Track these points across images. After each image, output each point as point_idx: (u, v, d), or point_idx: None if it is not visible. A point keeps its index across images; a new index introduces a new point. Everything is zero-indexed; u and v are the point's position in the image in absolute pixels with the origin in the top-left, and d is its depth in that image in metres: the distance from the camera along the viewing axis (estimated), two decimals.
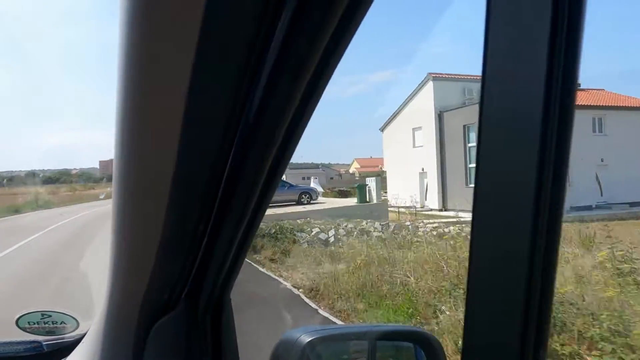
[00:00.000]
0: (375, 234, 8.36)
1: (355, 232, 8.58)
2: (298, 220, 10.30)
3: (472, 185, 0.36)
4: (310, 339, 0.82)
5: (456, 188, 16.98)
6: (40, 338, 0.91)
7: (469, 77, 18.71)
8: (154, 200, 0.54)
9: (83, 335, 0.90)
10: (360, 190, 15.54)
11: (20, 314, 0.89)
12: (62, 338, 0.92)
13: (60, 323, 0.90)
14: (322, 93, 0.51)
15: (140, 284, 0.67)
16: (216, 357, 0.78)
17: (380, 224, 9.47)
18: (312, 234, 8.56)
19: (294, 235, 8.53)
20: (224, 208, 0.58)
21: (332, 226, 9.20)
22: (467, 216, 10.24)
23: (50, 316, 0.90)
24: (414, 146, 20.35)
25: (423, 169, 19.67)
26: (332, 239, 8.14)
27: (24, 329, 0.90)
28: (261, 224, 0.71)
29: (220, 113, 0.46)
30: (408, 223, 10.22)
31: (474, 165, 0.37)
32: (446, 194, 18.41)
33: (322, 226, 9.36)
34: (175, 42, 0.38)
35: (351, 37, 0.45)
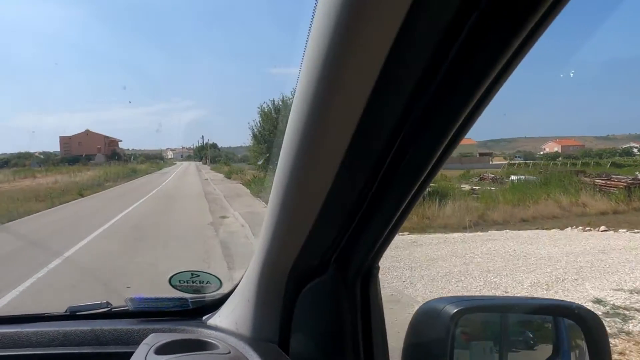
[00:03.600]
0: None
1: None
2: None
3: None
4: (457, 310, 0.79)
5: None
6: (187, 295, 1.00)
7: None
8: (324, 169, 0.57)
9: (224, 295, 0.99)
10: None
11: (173, 273, 0.99)
12: (204, 297, 1.02)
13: (206, 282, 0.99)
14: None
15: (293, 249, 0.71)
16: (365, 323, 0.79)
17: None
18: None
19: None
20: (388, 181, 0.60)
21: None
22: None
23: (198, 276, 0.99)
24: None
25: None
26: None
27: (174, 287, 0.99)
28: None
29: (398, 99, 0.49)
30: None
31: None
32: None
33: None
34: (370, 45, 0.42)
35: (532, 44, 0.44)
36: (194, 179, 29.66)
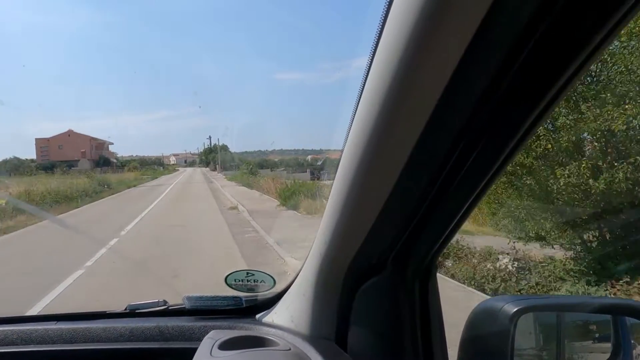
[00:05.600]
0: None
1: None
2: None
3: None
4: (517, 309, 0.98)
5: None
6: (241, 294, 1.32)
7: None
8: (388, 169, 0.73)
9: (277, 294, 1.28)
10: None
11: (229, 272, 1.32)
12: (257, 295, 1.33)
13: (260, 281, 1.30)
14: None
15: (352, 247, 0.92)
16: (424, 322, 1.00)
17: None
18: None
19: None
20: (451, 181, 0.75)
21: None
22: None
23: (253, 275, 1.31)
24: None
25: None
26: None
27: (230, 286, 1.31)
28: None
29: (467, 100, 0.62)
30: None
31: None
32: None
33: None
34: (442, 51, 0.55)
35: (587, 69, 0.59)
36: (204, 207, 17.50)
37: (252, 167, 41.84)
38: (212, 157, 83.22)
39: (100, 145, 73.43)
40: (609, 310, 1.15)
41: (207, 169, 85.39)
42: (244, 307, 1.34)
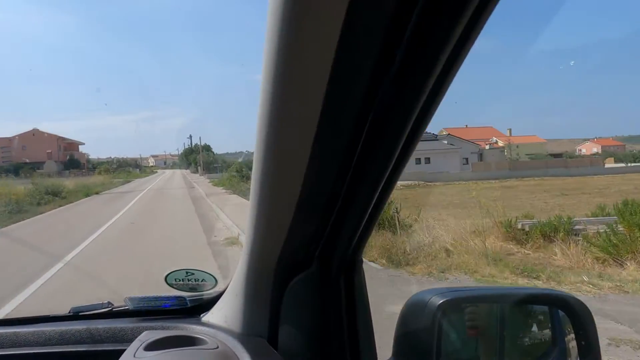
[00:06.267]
0: None
1: None
2: None
3: None
4: (442, 301, 1.11)
5: None
6: (184, 294, 1.43)
7: None
8: (293, 163, 0.80)
9: (221, 293, 1.39)
10: None
11: (169, 271, 1.43)
12: (202, 295, 1.44)
13: (202, 280, 1.42)
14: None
15: (276, 245, 1.01)
16: (350, 316, 1.11)
17: None
18: None
19: None
20: (360, 171, 0.84)
21: None
22: None
23: (193, 274, 1.42)
24: None
25: None
26: None
27: (171, 285, 1.43)
28: None
29: (365, 74, 0.67)
30: None
31: None
32: None
33: None
34: (318, 42, 0.60)
35: (478, 33, 0.64)
36: (184, 242, 11.33)
37: (243, 170, 36.55)
38: (193, 158, 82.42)
39: (70, 145, 73.10)
40: (538, 300, 1.29)
41: (188, 170, 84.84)
42: (188, 307, 1.45)
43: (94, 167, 71.40)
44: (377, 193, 0.90)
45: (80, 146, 77.09)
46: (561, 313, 1.22)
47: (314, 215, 0.95)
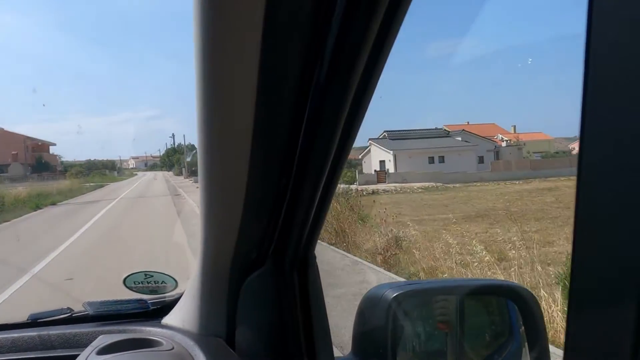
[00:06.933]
0: None
1: None
2: None
3: None
4: (395, 294, 1.21)
5: None
6: (145, 297, 1.53)
7: None
8: (235, 165, 0.88)
9: (181, 294, 1.50)
10: None
11: (127, 275, 1.53)
12: (164, 297, 1.54)
13: (161, 283, 1.53)
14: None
15: (230, 244, 1.10)
16: (305, 312, 1.20)
17: None
18: None
19: None
20: (302, 168, 0.92)
21: None
22: None
23: (152, 276, 1.53)
24: None
25: None
26: None
27: (130, 288, 1.53)
28: None
29: (294, 70, 0.74)
30: None
31: None
32: None
33: None
34: (242, 29, 0.66)
35: (404, 14, 0.73)
36: None
37: None
38: (176, 159, 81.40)
39: (39, 146, 71.31)
40: (487, 291, 1.42)
41: (171, 173, 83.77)
42: (150, 310, 1.55)
43: (66, 169, 70.81)
44: (320, 190, 1.00)
45: (51, 147, 75.53)
46: (512, 303, 1.33)
47: (262, 214, 1.04)
